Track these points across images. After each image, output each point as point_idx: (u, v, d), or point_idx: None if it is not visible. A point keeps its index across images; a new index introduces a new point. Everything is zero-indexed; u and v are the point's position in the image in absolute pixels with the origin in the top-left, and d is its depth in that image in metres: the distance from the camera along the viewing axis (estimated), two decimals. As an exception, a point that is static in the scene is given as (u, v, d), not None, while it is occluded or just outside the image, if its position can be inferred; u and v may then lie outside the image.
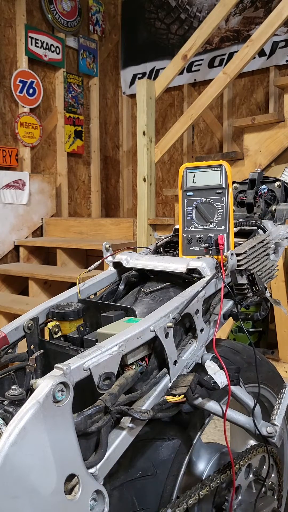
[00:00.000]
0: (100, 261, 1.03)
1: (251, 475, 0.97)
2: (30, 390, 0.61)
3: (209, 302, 0.89)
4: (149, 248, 1.11)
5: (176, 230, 1.06)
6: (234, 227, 1.00)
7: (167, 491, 0.80)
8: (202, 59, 4.08)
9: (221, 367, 0.79)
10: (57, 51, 3.96)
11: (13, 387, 0.67)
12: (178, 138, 2.95)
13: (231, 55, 3.80)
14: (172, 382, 0.76)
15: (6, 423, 0.57)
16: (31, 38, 3.72)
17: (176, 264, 0.91)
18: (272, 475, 1.07)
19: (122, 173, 4.90)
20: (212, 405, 0.82)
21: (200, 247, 0.95)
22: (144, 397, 0.72)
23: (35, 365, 0.76)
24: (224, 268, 0.88)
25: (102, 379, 0.66)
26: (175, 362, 0.77)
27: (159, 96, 2.99)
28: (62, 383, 0.58)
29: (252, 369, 1.04)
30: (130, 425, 0.69)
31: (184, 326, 0.85)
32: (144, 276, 1.01)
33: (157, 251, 1.10)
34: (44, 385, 0.57)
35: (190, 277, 0.91)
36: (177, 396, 0.73)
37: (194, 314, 0.82)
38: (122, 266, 1.00)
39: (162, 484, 0.80)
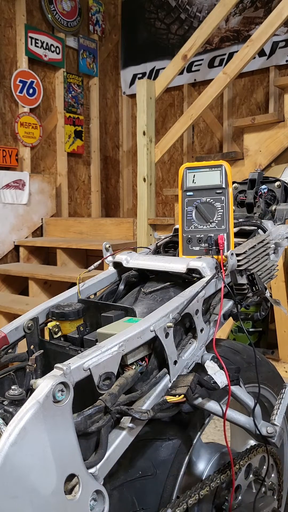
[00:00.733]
0: (100, 261, 1.03)
1: (251, 475, 0.97)
2: (30, 390, 0.61)
3: (209, 302, 0.89)
4: (149, 248, 1.11)
5: (176, 230, 1.06)
6: (234, 227, 1.00)
7: (167, 491, 0.80)
8: (202, 59, 4.08)
9: (221, 367, 0.79)
10: (57, 51, 3.96)
11: (13, 387, 0.67)
12: (178, 138, 2.95)
13: (231, 55, 3.80)
14: (172, 382, 0.76)
15: (6, 423, 0.57)
16: (31, 38, 3.72)
17: (176, 264, 0.91)
18: (272, 475, 1.07)
19: (122, 173, 4.90)
20: (212, 405, 0.82)
21: (200, 247, 0.95)
22: (144, 397, 0.72)
23: (35, 365, 0.76)
24: (224, 268, 0.88)
25: (102, 379, 0.66)
26: (175, 362, 0.77)
27: (159, 96, 2.99)
28: (62, 383, 0.58)
29: (252, 369, 1.04)
30: (130, 425, 0.69)
31: (184, 326, 0.85)
32: (144, 276, 1.01)
33: (157, 251, 1.10)
34: (44, 385, 0.57)
35: (190, 277, 0.91)
36: (177, 396, 0.73)
37: (194, 314, 0.82)
38: (122, 266, 1.00)
39: (162, 484, 0.80)
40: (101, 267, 1.46)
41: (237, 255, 0.91)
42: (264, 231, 1.06)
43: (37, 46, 3.78)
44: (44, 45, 3.83)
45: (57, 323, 0.85)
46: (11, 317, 2.90)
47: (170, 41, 4.31)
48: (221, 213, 0.94)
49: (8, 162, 3.55)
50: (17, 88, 3.65)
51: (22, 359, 0.84)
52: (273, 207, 1.17)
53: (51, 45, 3.90)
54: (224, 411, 0.82)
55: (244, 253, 0.92)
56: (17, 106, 3.70)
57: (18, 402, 0.65)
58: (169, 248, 1.10)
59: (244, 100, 4.02)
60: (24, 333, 0.85)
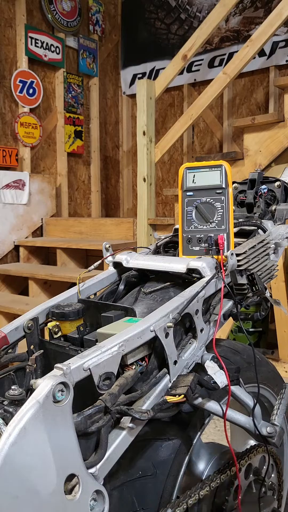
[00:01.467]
0: (100, 261, 1.03)
1: (251, 475, 0.97)
2: (30, 390, 0.61)
3: (209, 302, 0.88)
4: (149, 248, 1.11)
5: (176, 230, 1.06)
6: (234, 227, 1.00)
7: (167, 491, 0.80)
8: (202, 59, 4.08)
9: (221, 367, 0.79)
10: (57, 51, 3.96)
11: (13, 387, 0.67)
12: (178, 138, 2.95)
13: (231, 55, 3.80)
14: (172, 382, 0.76)
15: (6, 423, 0.57)
16: (31, 38, 3.72)
17: (176, 264, 0.91)
18: (272, 475, 1.07)
19: (122, 173, 4.90)
20: (212, 405, 0.82)
21: (200, 247, 0.95)
22: (144, 397, 0.72)
23: (35, 365, 0.76)
24: (224, 268, 0.88)
25: (102, 379, 0.66)
26: (175, 362, 0.77)
27: (159, 96, 2.99)
28: (62, 383, 0.58)
29: (252, 369, 1.04)
30: (130, 425, 0.69)
31: (184, 326, 0.85)
32: (144, 276, 1.01)
33: (157, 251, 1.10)
34: (44, 385, 0.57)
35: (190, 277, 0.91)
36: (177, 396, 0.72)
37: (194, 314, 0.82)
38: (122, 266, 1.00)
39: (162, 484, 0.80)
40: (101, 267, 1.46)
41: (237, 255, 0.91)
42: (264, 231, 1.06)
43: (37, 46, 3.78)
44: (44, 45, 3.83)
45: (57, 323, 0.85)
46: (11, 317, 2.90)
47: (170, 41, 4.31)
48: (221, 213, 0.94)
49: (8, 162, 3.55)
50: (17, 88, 3.65)
51: (22, 359, 0.84)
52: (273, 207, 1.17)
53: (51, 45, 3.90)
54: (224, 411, 0.82)
55: (244, 253, 0.92)
56: (17, 106, 3.70)
57: (18, 402, 0.65)
58: (169, 248, 1.10)
59: (244, 100, 4.02)
60: (24, 333, 0.85)
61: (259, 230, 1.06)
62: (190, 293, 0.82)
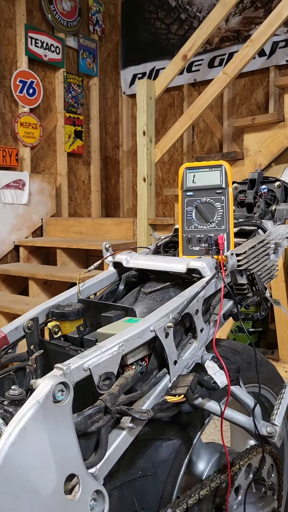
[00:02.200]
0: (100, 261, 1.03)
1: (251, 475, 0.97)
2: (30, 390, 0.61)
3: (209, 302, 0.88)
4: (149, 248, 1.11)
5: (176, 230, 1.06)
6: (234, 227, 1.00)
7: (167, 491, 0.80)
8: (202, 59, 4.08)
9: (221, 367, 0.79)
10: (57, 51, 3.96)
11: (13, 387, 0.67)
12: (178, 138, 2.95)
13: (231, 55, 3.80)
14: (172, 382, 0.76)
15: (6, 423, 0.57)
16: (31, 38, 3.72)
17: (176, 264, 0.91)
18: (272, 475, 1.07)
19: (122, 173, 4.90)
20: (212, 405, 0.82)
21: (200, 247, 0.95)
22: (144, 397, 0.72)
23: (35, 365, 0.76)
24: (224, 268, 0.88)
25: (102, 379, 0.66)
26: (175, 362, 0.77)
27: (159, 96, 2.99)
28: (62, 383, 0.58)
29: (252, 369, 1.04)
30: (130, 425, 0.69)
31: (184, 326, 0.85)
32: (144, 276, 1.01)
33: (157, 251, 1.10)
34: (44, 385, 0.57)
35: (190, 277, 0.91)
36: (177, 396, 0.73)
37: (194, 314, 0.82)
38: (122, 266, 1.00)
39: (162, 484, 0.80)
40: (101, 267, 1.46)
41: (237, 255, 0.91)
42: (264, 231, 1.06)
43: (37, 46, 3.78)
44: (44, 45, 3.83)
45: (57, 323, 0.85)
46: (11, 317, 2.90)
47: (170, 41, 4.31)
48: (221, 213, 0.94)
49: (8, 162, 3.55)
50: (17, 88, 3.65)
51: (22, 359, 0.84)
52: (273, 207, 1.17)
53: (51, 45, 3.90)
54: (223, 411, 0.82)
55: (244, 253, 0.92)
56: (17, 106, 3.70)
57: (18, 402, 0.65)
58: (169, 248, 1.10)
59: (244, 100, 4.02)
60: (24, 333, 0.85)
61: (259, 230, 1.06)
62: (190, 293, 0.82)
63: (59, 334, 0.85)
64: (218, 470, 0.89)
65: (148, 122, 2.93)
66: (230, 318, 0.96)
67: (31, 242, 3.54)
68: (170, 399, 0.72)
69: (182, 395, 0.72)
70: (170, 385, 0.76)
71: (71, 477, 0.60)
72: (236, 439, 1.20)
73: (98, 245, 3.07)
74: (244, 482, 0.96)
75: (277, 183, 1.20)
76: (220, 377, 0.78)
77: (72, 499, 0.59)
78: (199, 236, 0.95)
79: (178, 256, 0.99)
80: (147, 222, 3.01)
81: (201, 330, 0.84)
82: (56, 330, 0.85)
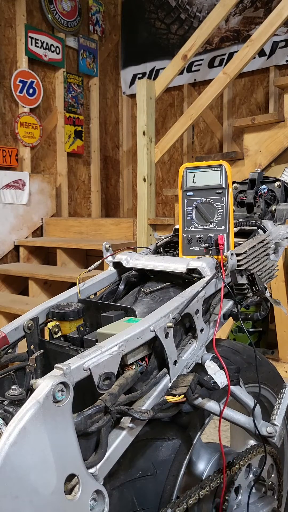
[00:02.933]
0: (100, 261, 1.03)
1: (251, 475, 0.97)
2: (30, 390, 0.61)
3: (209, 302, 0.88)
4: (149, 248, 1.11)
5: (176, 230, 1.06)
6: (234, 227, 1.00)
7: (167, 491, 0.80)
8: (202, 59, 4.08)
9: (221, 367, 0.79)
10: (57, 51, 3.96)
11: (13, 387, 0.67)
12: (178, 138, 2.95)
13: (231, 55, 3.80)
14: (172, 382, 0.76)
15: (6, 423, 0.57)
16: (31, 38, 3.72)
17: (176, 264, 0.91)
18: (272, 475, 1.07)
19: (122, 173, 4.90)
20: (212, 405, 0.82)
21: (200, 247, 0.95)
22: (144, 397, 0.72)
23: (35, 365, 0.76)
24: (224, 268, 0.88)
25: (102, 379, 0.66)
26: (175, 362, 0.77)
27: (159, 96, 2.99)
28: (62, 383, 0.58)
29: (252, 369, 1.04)
30: (130, 425, 0.69)
31: (184, 326, 0.85)
32: (144, 276, 1.01)
33: (157, 251, 1.10)
34: (44, 385, 0.57)
35: (190, 277, 0.91)
36: (177, 396, 0.73)
37: (194, 314, 0.82)
38: (122, 266, 1.00)
39: (162, 484, 0.80)
40: (101, 267, 1.46)
41: (237, 255, 0.91)
42: (264, 231, 1.06)
43: (37, 46, 3.78)
44: (44, 45, 3.83)
45: (57, 323, 0.85)
46: (11, 317, 2.90)
47: (170, 41, 4.31)
48: (221, 213, 0.94)
49: (8, 162, 3.55)
50: (17, 88, 3.65)
51: (22, 359, 0.84)
52: (273, 207, 1.17)
53: (51, 45, 3.90)
54: (222, 411, 0.82)
55: (244, 253, 0.92)
56: (17, 106, 3.70)
57: (18, 402, 0.65)
58: (169, 248, 1.10)
59: (244, 100, 4.02)
60: (24, 333, 0.85)
61: (259, 230, 1.06)
62: (190, 293, 0.82)
63: (59, 334, 0.85)
64: (218, 470, 0.89)
65: (148, 122, 2.93)
66: (230, 318, 0.96)
67: (31, 242, 3.54)
68: (170, 399, 0.72)
69: (182, 395, 0.72)
70: (170, 385, 0.76)
71: (71, 477, 0.60)
72: (236, 439, 1.20)
73: (98, 245, 3.07)
74: (244, 482, 0.96)
75: (277, 183, 1.20)
76: (220, 377, 0.78)
77: (72, 499, 0.59)
78: (199, 236, 0.95)
79: (178, 256, 0.99)
80: (147, 222, 3.01)
81: (201, 330, 0.84)
82: (56, 330, 0.85)
